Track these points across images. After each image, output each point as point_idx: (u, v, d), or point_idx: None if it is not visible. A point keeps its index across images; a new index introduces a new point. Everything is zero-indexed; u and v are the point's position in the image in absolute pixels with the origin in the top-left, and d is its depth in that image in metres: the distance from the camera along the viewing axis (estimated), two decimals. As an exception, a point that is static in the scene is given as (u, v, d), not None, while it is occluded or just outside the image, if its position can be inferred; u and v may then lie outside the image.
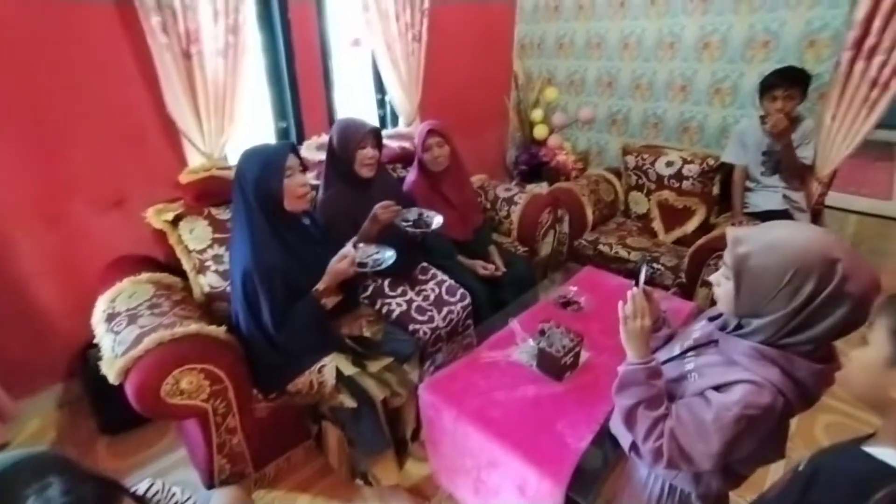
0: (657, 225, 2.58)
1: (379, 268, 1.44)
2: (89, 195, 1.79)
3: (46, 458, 0.63)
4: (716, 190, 2.44)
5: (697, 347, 0.88)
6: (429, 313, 1.72)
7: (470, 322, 1.81)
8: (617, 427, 0.99)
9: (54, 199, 1.73)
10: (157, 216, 1.58)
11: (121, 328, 1.31)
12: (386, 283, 1.80)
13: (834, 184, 2.19)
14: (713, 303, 0.89)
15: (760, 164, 2.22)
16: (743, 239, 0.76)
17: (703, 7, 2.44)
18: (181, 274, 1.62)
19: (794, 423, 0.84)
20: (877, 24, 1.80)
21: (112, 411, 1.70)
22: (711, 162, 2.37)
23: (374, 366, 1.47)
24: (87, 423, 1.80)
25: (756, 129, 2.19)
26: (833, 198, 2.26)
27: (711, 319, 0.90)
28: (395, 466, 1.47)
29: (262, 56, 2.18)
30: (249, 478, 1.51)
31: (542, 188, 2.95)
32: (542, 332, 1.36)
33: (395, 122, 2.78)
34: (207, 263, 1.61)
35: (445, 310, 1.74)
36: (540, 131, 3.17)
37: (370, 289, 1.79)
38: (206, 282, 1.61)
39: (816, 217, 2.21)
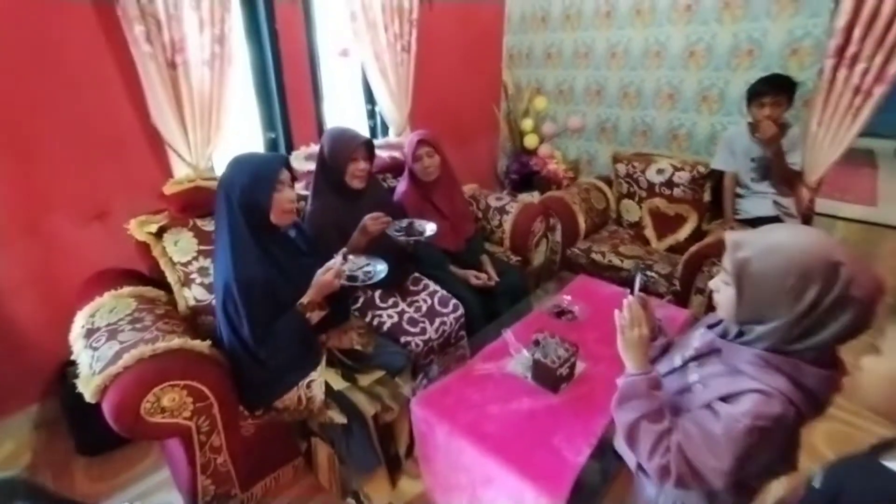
0: (649, 232, 2.59)
1: (370, 282, 1.41)
2: (70, 207, 1.74)
3: (15, 483, 0.60)
4: (707, 197, 2.45)
5: (699, 357, 0.86)
6: (421, 325, 1.68)
7: (463, 333, 1.78)
8: (622, 445, 0.95)
9: (32, 210, 1.67)
10: (140, 228, 1.54)
11: (100, 344, 1.25)
12: (377, 294, 1.76)
13: (820, 190, 2.21)
14: (708, 310, 0.87)
15: (750, 171, 2.24)
16: (742, 243, 0.74)
17: (688, 16, 2.48)
18: (165, 287, 1.57)
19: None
20: (857, 32, 1.83)
21: (91, 432, 1.62)
22: (702, 169, 2.38)
23: (365, 379, 1.43)
24: (64, 444, 1.72)
25: (744, 135, 2.21)
26: (819, 204, 2.27)
27: (710, 327, 0.88)
28: (387, 484, 1.43)
29: (250, 66, 2.16)
30: (235, 499, 1.45)
31: (533, 197, 2.95)
32: (537, 343, 1.34)
33: (385, 132, 2.77)
34: (193, 276, 1.57)
35: (438, 321, 1.71)
36: (530, 140, 3.18)
37: (361, 300, 1.76)
38: (192, 294, 1.56)
39: (807, 223, 2.22)
